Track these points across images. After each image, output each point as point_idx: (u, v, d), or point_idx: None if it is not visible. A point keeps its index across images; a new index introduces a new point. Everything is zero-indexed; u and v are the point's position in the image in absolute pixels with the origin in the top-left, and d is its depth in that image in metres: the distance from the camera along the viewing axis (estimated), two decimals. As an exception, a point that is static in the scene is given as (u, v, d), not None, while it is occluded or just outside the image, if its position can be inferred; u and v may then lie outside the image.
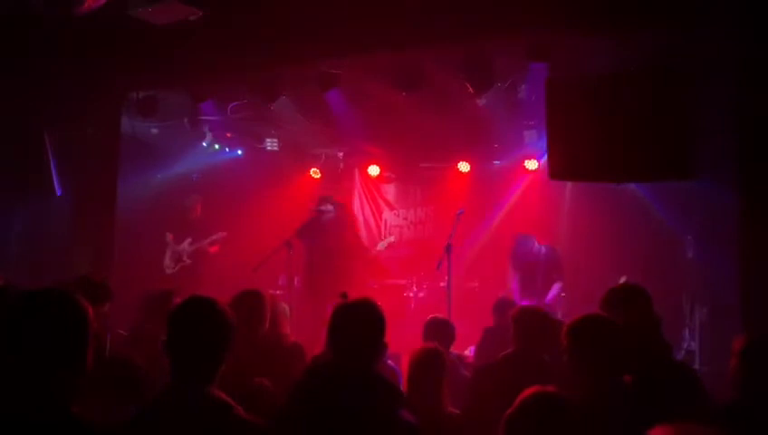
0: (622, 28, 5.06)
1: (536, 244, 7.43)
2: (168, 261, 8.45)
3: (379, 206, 10.16)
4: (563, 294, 7.61)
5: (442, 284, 7.04)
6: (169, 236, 8.50)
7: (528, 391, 2.23)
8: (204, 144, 8.97)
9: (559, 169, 5.52)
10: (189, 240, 8.50)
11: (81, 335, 1.97)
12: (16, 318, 1.94)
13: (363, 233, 10.10)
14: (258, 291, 4.10)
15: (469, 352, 5.93)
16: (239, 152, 9.56)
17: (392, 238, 9.13)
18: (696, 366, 6.46)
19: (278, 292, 7.85)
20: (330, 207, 7.88)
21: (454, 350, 4.83)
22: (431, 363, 3.30)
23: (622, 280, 6.34)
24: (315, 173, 9.87)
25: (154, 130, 8.15)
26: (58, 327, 1.93)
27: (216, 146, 9.22)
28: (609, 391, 2.75)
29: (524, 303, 7.13)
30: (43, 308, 1.95)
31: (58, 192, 6.66)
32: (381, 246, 8.71)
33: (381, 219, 10.13)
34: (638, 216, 7.49)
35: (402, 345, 5.14)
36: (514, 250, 7.49)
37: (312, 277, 7.83)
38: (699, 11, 4.83)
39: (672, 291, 6.77)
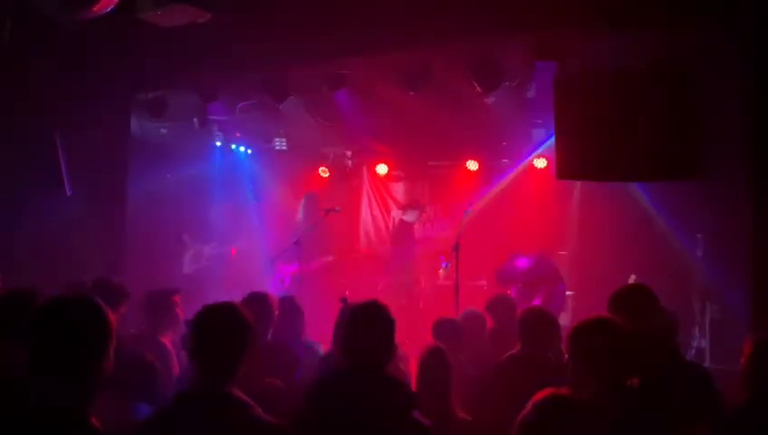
0: (631, 27, 5.03)
1: (518, 261, 7.36)
2: (187, 260, 8.54)
3: (388, 204, 10.16)
4: (570, 293, 7.61)
5: (450, 282, 7.02)
6: (186, 238, 8.58)
7: (541, 394, 2.21)
8: (217, 143, 9.01)
9: (567, 168, 5.51)
10: (214, 244, 8.61)
11: (104, 340, 2.01)
12: (41, 324, 1.97)
13: (371, 232, 10.12)
14: (265, 294, 4.14)
15: None
16: (249, 151, 9.61)
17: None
18: (707, 364, 6.44)
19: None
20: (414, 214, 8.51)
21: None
22: (435, 363, 3.30)
23: (632, 279, 6.32)
24: (324, 172, 9.89)
25: (163, 131, 8.19)
26: (82, 333, 1.97)
27: (234, 146, 9.27)
28: (609, 394, 2.74)
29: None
30: (67, 314, 1.99)
31: (68, 192, 6.70)
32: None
33: (390, 218, 10.13)
34: (648, 215, 7.46)
35: (410, 344, 5.14)
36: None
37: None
38: (707, 10, 4.81)
39: (682, 290, 6.74)
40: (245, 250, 8.81)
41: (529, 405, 2.19)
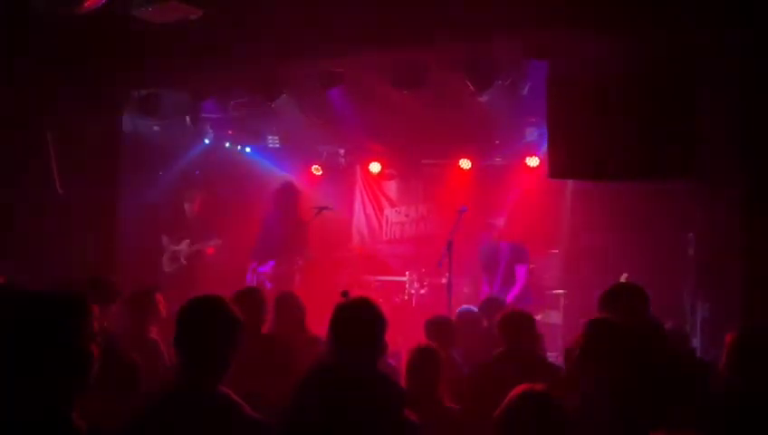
0: (625, 28, 5.04)
1: (499, 242, 7.50)
2: (165, 261, 8.47)
3: (381, 203, 10.17)
4: (561, 292, 7.64)
5: (443, 280, 7.04)
6: (165, 239, 8.51)
7: (516, 390, 2.25)
8: (206, 141, 8.98)
9: (559, 168, 5.52)
10: (188, 241, 8.50)
11: (85, 338, 1.94)
12: (20, 321, 1.91)
13: (365, 230, 10.12)
14: (257, 289, 4.13)
15: None
16: (244, 149, 9.58)
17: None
18: (698, 363, 6.47)
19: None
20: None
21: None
22: (426, 362, 3.31)
23: (623, 278, 6.34)
24: (317, 170, 9.88)
25: (156, 128, 8.16)
26: (62, 331, 1.91)
27: (227, 144, 9.23)
28: (606, 392, 2.78)
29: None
30: (48, 311, 1.93)
31: (59, 190, 6.67)
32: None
33: (383, 216, 10.14)
34: (639, 214, 7.49)
35: (403, 343, 5.15)
36: (482, 251, 7.62)
37: None
38: (702, 10, 4.82)
39: (673, 288, 6.77)
40: (228, 249, 8.75)
41: (505, 400, 2.23)
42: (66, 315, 1.94)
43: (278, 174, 9.51)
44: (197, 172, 9.20)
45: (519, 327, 3.88)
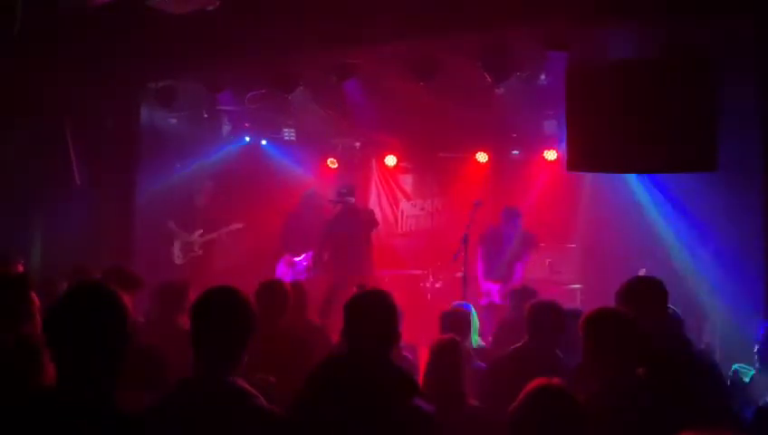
0: (644, 17, 4.96)
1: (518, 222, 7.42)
2: (177, 251, 8.46)
3: (396, 196, 10.14)
4: (578, 286, 7.59)
5: (459, 274, 7.00)
6: (172, 225, 8.47)
7: (532, 385, 2.22)
8: (224, 134, 8.99)
9: (578, 160, 5.45)
10: (200, 231, 8.51)
11: (121, 325, 1.99)
12: (62, 310, 1.97)
13: (380, 224, 10.11)
14: (280, 281, 4.15)
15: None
16: (264, 142, 9.59)
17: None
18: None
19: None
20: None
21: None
22: (449, 353, 3.29)
23: (642, 273, 6.27)
24: (332, 163, 9.87)
25: (172, 120, 8.19)
26: (100, 318, 1.95)
27: (248, 139, 9.25)
28: (622, 383, 2.76)
29: (488, 284, 7.23)
30: (86, 300, 1.98)
31: (78, 182, 6.73)
32: None
33: (398, 209, 10.12)
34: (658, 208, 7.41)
35: (418, 336, 5.14)
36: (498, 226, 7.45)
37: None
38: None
39: (691, 284, 6.70)
40: (249, 239, 8.79)
41: (521, 395, 2.21)
42: (106, 303, 1.98)
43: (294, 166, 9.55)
44: (213, 165, 9.21)
45: (543, 323, 3.77)
